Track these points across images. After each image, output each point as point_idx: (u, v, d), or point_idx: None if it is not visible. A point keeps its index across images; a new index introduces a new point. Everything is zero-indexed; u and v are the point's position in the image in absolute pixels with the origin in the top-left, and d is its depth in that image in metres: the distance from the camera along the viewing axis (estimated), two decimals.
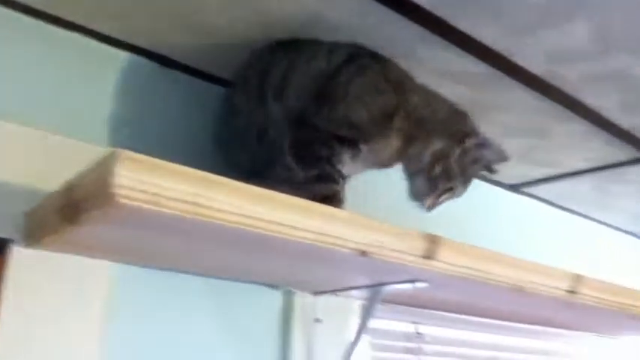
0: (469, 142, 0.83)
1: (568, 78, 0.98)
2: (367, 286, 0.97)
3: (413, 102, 0.83)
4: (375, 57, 0.85)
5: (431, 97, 0.86)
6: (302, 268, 0.90)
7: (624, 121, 1.14)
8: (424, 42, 0.89)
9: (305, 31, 0.87)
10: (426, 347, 1.23)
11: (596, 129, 1.17)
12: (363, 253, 0.73)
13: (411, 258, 0.77)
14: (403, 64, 0.93)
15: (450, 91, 1.03)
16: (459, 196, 0.86)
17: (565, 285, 1.01)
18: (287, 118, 0.82)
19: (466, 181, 0.85)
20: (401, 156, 0.85)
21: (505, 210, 1.59)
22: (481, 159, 0.85)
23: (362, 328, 0.98)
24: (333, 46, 0.85)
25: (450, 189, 0.84)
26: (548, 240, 1.66)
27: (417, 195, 0.86)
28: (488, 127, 1.17)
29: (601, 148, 1.28)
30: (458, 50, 0.90)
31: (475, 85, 1.02)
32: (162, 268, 0.91)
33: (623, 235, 1.93)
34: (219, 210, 0.58)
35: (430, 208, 0.86)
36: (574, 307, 1.11)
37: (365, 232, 0.72)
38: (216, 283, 0.99)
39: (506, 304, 1.13)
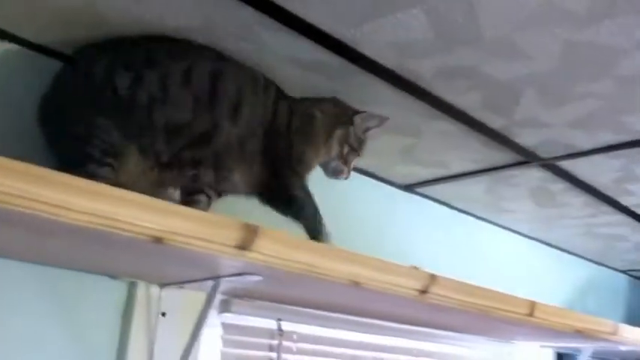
0: (356, 121, 1.02)
1: (421, 73, 0.96)
2: (205, 279, 0.93)
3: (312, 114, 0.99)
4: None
5: (314, 102, 1.00)
6: (139, 259, 0.86)
7: (493, 121, 1.13)
8: (266, 28, 0.85)
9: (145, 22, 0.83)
10: (289, 345, 1.19)
11: (469, 129, 1.16)
12: (158, 240, 0.69)
13: (223, 248, 0.74)
14: (253, 53, 0.90)
15: (311, 82, 1.01)
16: (360, 156, 1.05)
17: (417, 285, 0.99)
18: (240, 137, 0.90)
19: (363, 145, 1.04)
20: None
21: (400, 210, 1.57)
22: (368, 127, 1.04)
23: (201, 323, 0.94)
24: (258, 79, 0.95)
25: (357, 156, 1.04)
26: (443, 241, 1.66)
27: (334, 173, 1.04)
28: None
29: (481, 150, 1.26)
30: (303, 39, 0.87)
31: (336, 78, 0.99)
32: None
33: (516, 236, 1.94)
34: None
35: (348, 177, 1.05)
36: (431, 308, 1.09)
37: (160, 217, 0.68)
38: (55, 272, 0.94)
39: (360, 301, 1.10)
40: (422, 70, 0.94)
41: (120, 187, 0.65)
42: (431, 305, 1.05)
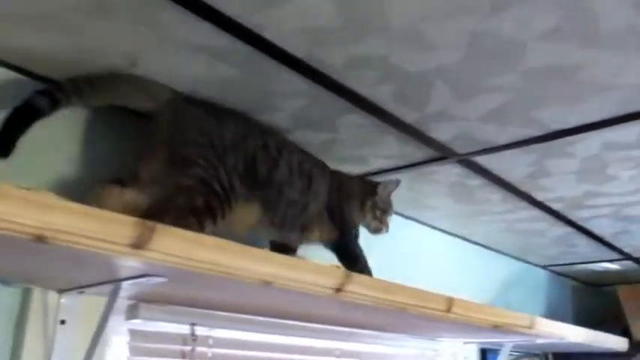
0: (379, 190, 1.32)
1: (331, 63, 0.93)
2: (103, 283, 0.87)
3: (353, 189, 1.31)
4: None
5: (348, 178, 1.32)
6: (28, 262, 0.79)
7: (407, 115, 1.12)
8: (166, 11, 0.81)
9: None
10: (204, 350, 1.14)
11: (384, 124, 1.15)
12: (41, 239, 0.63)
13: (115, 247, 0.68)
14: (155, 39, 0.85)
15: (219, 72, 0.97)
16: (391, 214, 1.35)
17: (332, 283, 0.96)
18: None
19: (390, 205, 1.35)
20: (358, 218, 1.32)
21: None
22: (390, 191, 1.34)
23: (101, 330, 0.88)
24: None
25: (389, 215, 1.34)
26: (364, 238, 1.64)
27: (375, 231, 1.33)
28: (275, 115, 1.14)
29: (399, 145, 1.26)
30: (206, 23, 0.83)
31: (244, 68, 0.95)
32: None
33: (437, 232, 1.96)
34: None
35: (387, 231, 1.34)
36: (348, 306, 1.07)
37: (41, 213, 0.62)
38: None
39: (276, 302, 1.07)
40: (332, 60, 0.92)
41: None
42: (347, 303, 1.03)
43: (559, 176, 1.41)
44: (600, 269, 2.53)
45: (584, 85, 0.98)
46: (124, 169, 1.02)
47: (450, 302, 1.25)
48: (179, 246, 0.73)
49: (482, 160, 1.32)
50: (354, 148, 1.29)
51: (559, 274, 2.67)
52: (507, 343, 1.89)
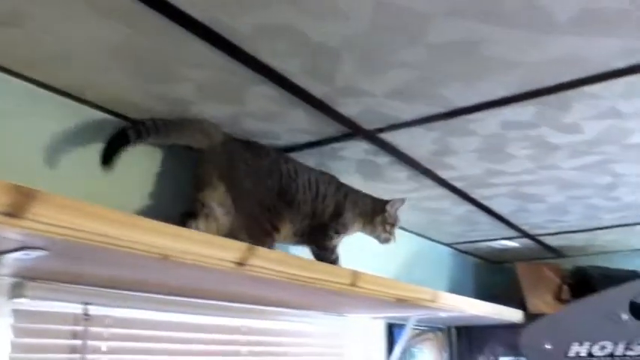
0: (388, 207, 1.54)
1: (238, 30, 0.90)
2: None
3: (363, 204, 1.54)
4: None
5: (361, 196, 1.54)
6: None
7: (316, 89, 1.11)
8: None
9: None
10: (99, 330, 1.08)
11: (293, 97, 1.13)
12: None
13: None
14: None
15: (117, 37, 0.91)
16: (397, 226, 1.57)
17: (233, 257, 0.94)
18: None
19: (397, 220, 1.56)
20: (364, 230, 1.56)
21: None
22: (397, 208, 1.55)
23: None
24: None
25: (396, 227, 1.56)
26: None
27: (384, 242, 1.56)
28: (179, 86, 1.09)
29: (308, 120, 1.24)
30: None
31: (142, 31, 0.89)
32: None
33: None
34: None
35: (394, 241, 1.57)
36: (252, 281, 1.04)
37: None
38: None
39: (176, 278, 1.03)
40: (238, 26, 0.89)
41: None
42: (251, 278, 1.01)
43: (462, 154, 1.45)
44: (500, 247, 2.66)
45: (486, 62, 1.00)
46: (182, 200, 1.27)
47: (355, 276, 1.26)
48: (60, 215, 0.68)
49: (389, 136, 1.33)
50: (264, 122, 1.26)
51: (462, 251, 2.78)
52: (412, 317, 1.95)
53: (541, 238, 2.51)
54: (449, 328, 2.64)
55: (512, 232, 2.37)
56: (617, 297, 1.64)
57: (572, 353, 1.68)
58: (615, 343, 1.62)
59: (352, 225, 1.50)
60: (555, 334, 1.64)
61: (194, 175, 1.25)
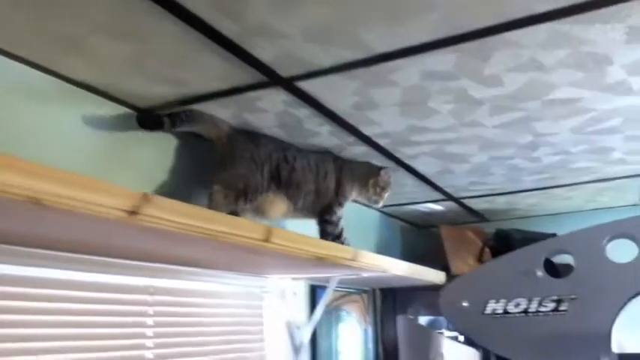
0: (382, 173, 1.76)
1: None
2: None
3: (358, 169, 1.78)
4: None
5: (356, 163, 1.78)
6: None
7: (226, 28, 1.02)
8: None
9: None
10: None
11: (201, 37, 1.03)
12: None
13: None
14: None
15: None
16: (388, 191, 1.80)
17: (124, 205, 0.85)
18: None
19: (388, 186, 1.78)
20: (360, 195, 1.77)
21: (136, 144, 1.41)
22: (389, 175, 1.77)
23: None
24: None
25: (386, 192, 1.79)
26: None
27: (373, 203, 1.80)
28: (70, 22, 0.98)
29: (220, 65, 1.15)
30: None
31: None
32: None
33: None
34: None
35: (381, 206, 1.87)
36: (149, 233, 0.96)
37: None
38: None
39: (58, 228, 0.93)
40: None
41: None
42: (146, 230, 0.92)
43: (384, 109, 1.40)
44: (426, 210, 2.67)
45: (406, 2, 0.94)
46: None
47: (268, 232, 1.20)
48: None
49: (308, 85, 1.26)
50: (171, 66, 1.16)
51: (389, 215, 2.78)
52: (334, 278, 1.91)
53: (465, 201, 2.53)
54: (374, 290, 2.65)
55: (437, 195, 2.38)
56: (532, 254, 1.66)
57: (488, 310, 1.69)
58: (529, 300, 1.64)
59: (351, 193, 1.73)
60: (472, 292, 1.65)
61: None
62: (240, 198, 1.45)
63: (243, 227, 1.13)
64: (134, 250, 1.18)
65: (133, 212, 0.86)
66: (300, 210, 1.63)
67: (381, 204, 1.79)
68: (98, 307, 1.22)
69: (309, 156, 1.64)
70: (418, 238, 3.03)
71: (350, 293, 2.40)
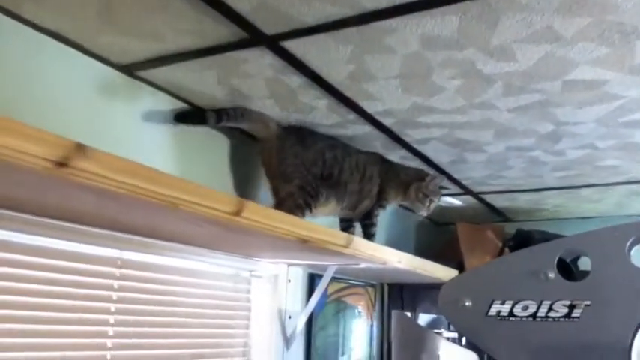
0: (426, 180, 1.74)
1: None
2: None
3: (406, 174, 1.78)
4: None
5: (404, 168, 1.79)
6: None
7: None
8: None
9: None
10: None
11: None
12: None
13: None
14: None
15: None
16: (437, 203, 1.80)
17: (49, 154, 0.74)
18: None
19: (436, 195, 1.77)
20: (404, 200, 1.79)
21: (120, 99, 1.32)
22: (436, 183, 1.75)
23: None
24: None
25: (432, 201, 1.76)
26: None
27: (418, 210, 1.79)
28: None
29: (197, 18, 1.05)
30: None
31: None
32: None
33: None
34: None
35: (426, 214, 1.81)
36: (78, 189, 0.85)
37: None
38: None
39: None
40: None
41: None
42: (79, 186, 0.82)
43: (382, 81, 1.27)
44: (444, 205, 2.52)
45: None
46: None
47: (240, 204, 1.09)
48: None
49: (294, 46, 1.14)
50: (141, 17, 1.06)
51: (405, 208, 2.64)
52: (331, 266, 1.80)
53: (485, 197, 2.38)
54: (382, 285, 2.52)
55: (454, 188, 2.23)
56: (545, 253, 1.49)
57: (492, 312, 1.53)
58: (539, 303, 1.47)
59: (393, 197, 1.75)
60: (476, 290, 1.50)
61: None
62: (305, 213, 1.50)
63: (210, 197, 1.02)
64: (96, 216, 1.09)
65: (61, 164, 0.75)
66: (343, 209, 1.66)
67: (424, 212, 1.77)
68: (52, 275, 1.13)
69: (357, 156, 1.65)
70: (434, 235, 2.88)
71: (354, 285, 2.28)
